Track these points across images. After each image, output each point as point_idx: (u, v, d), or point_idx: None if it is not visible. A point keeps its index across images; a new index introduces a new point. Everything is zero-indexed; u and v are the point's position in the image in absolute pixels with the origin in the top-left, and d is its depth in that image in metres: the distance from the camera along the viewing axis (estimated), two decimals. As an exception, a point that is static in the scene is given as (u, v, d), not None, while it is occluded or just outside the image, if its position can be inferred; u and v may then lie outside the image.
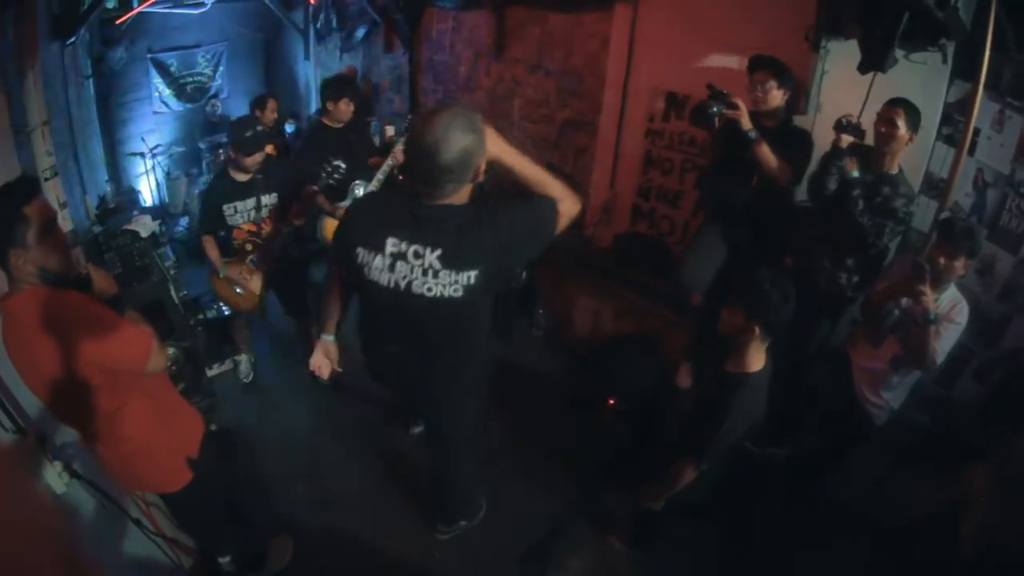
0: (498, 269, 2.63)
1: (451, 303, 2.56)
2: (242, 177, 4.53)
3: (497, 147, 2.50)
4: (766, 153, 4.09)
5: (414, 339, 2.89)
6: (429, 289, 2.54)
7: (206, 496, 3.16)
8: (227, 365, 5.61)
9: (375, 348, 3.17)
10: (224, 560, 3.72)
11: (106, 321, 2.49)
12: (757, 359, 3.00)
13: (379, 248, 2.58)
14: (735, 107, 4.06)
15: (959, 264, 3.35)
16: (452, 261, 2.50)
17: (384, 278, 2.60)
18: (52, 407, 2.61)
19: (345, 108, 5.38)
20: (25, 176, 2.49)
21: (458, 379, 3.16)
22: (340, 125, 5.45)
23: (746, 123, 4.07)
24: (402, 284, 2.57)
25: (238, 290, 4.82)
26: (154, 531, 3.23)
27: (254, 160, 4.42)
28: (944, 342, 3.41)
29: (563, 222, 2.61)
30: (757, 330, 2.88)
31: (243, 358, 5.51)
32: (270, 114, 6.73)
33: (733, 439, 3.03)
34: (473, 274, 2.52)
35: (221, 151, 8.22)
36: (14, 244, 2.29)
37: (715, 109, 4.10)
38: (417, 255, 2.53)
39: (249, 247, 4.72)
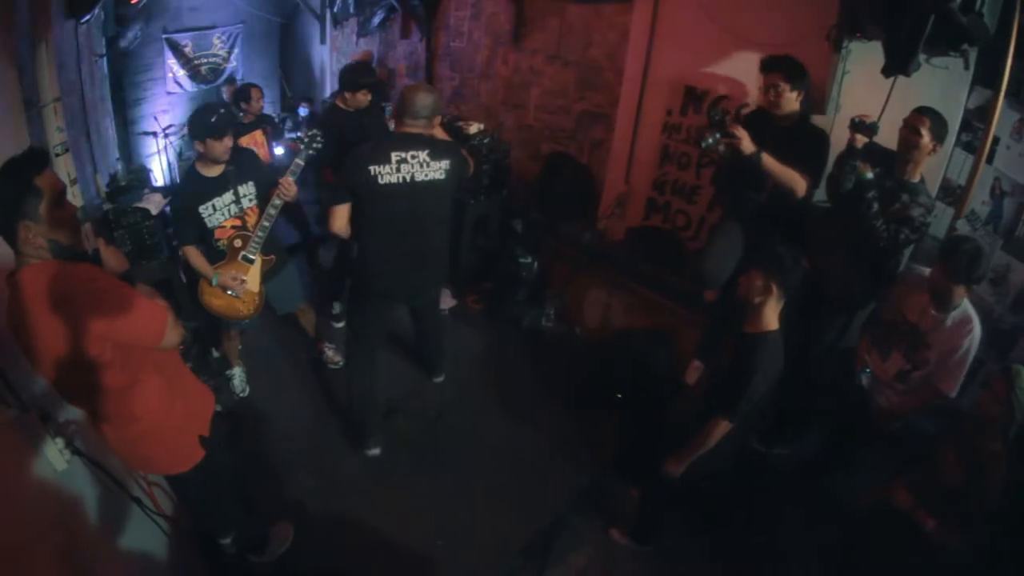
0: (454, 167, 4.04)
1: (439, 184, 4.00)
2: (213, 171, 4.21)
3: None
4: (776, 168, 4.03)
5: (414, 231, 4.10)
6: (425, 175, 3.93)
7: (213, 477, 3.14)
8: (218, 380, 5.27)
9: (382, 256, 4.15)
10: (225, 541, 3.71)
11: (120, 294, 2.46)
12: (773, 318, 3.16)
13: (387, 159, 3.83)
14: (732, 136, 3.99)
15: (959, 290, 3.36)
16: (434, 154, 3.93)
17: (396, 177, 3.85)
18: (59, 385, 2.55)
19: (363, 98, 5.32)
20: (35, 148, 2.43)
21: (438, 269, 4.50)
22: (353, 109, 5.36)
23: (747, 147, 3.98)
24: (407, 177, 3.88)
25: (237, 295, 4.47)
26: (155, 510, 3.20)
27: (225, 146, 4.08)
28: (958, 372, 3.51)
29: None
30: (774, 287, 3.06)
31: (236, 371, 5.24)
32: (256, 104, 6.65)
33: (759, 394, 3.13)
34: (447, 162, 3.98)
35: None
36: (24, 216, 2.25)
37: (710, 141, 4.07)
38: (413, 156, 3.88)
39: (238, 243, 4.38)
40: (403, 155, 3.86)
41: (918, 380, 3.68)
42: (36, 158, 2.35)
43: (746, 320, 3.21)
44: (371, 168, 3.81)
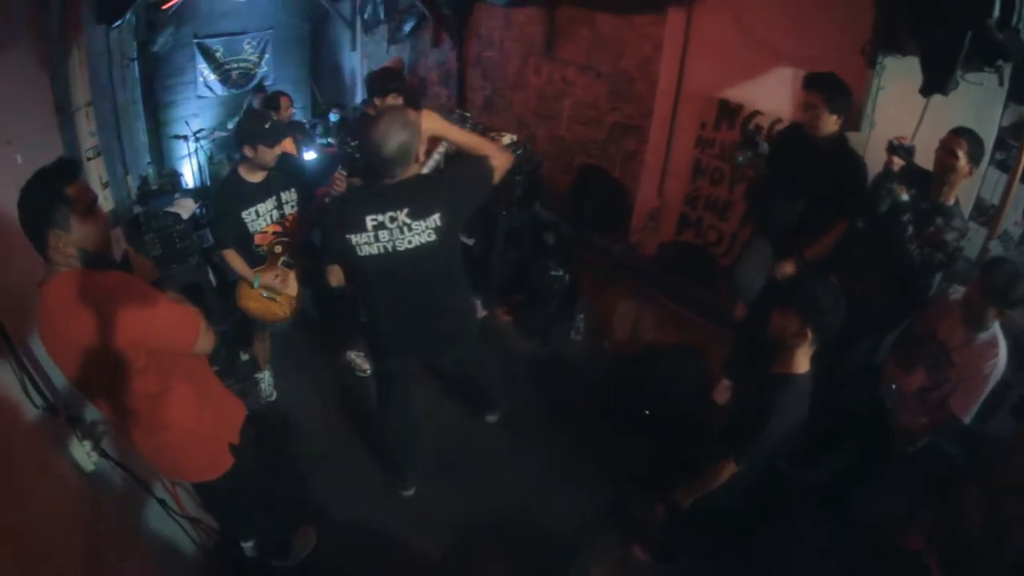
0: (453, 211, 3.27)
1: (430, 247, 3.26)
2: (257, 177, 4.20)
3: (436, 126, 3.30)
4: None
5: (415, 295, 3.52)
6: (410, 242, 3.22)
7: (240, 483, 3.14)
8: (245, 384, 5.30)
9: (388, 325, 3.72)
10: (247, 545, 3.75)
11: (153, 300, 2.45)
12: (804, 361, 3.00)
13: (362, 227, 3.19)
14: (762, 155, 4.13)
15: (993, 311, 3.32)
16: (418, 212, 3.18)
17: (374, 248, 3.23)
18: (90, 393, 2.58)
19: (392, 103, 5.20)
20: (65, 157, 2.44)
21: (457, 326, 3.88)
22: None
23: None
24: (388, 247, 3.23)
25: (276, 297, 4.51)
26: (179, 512, 3.23)
27: (275, 153, 4.10)
28: (974, 396, 3.45)
29: (498, 174, 3.34)
30: (809, 333, 2.88)
31: (264, 375, 5.24)
32: (284, 112, 6.63)
33: (775, 439, 3.00)
34: (436, 216, 3.21)
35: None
36: (55, 225, 2.26)
37: (741, 159, 4.23)
38: (392, 219, 3.18)
39: (279, 249, 4.42)
40: (379, 218, 3.18)
41: (936, 401, 3.62)
42: (67, 168, 2.36)
43: (776, 358, 3.07)
44: (348, 237, 3.23)
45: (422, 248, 3.25)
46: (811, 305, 2.87)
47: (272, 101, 6.68)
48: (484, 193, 3.39)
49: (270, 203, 4.28)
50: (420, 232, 3.21)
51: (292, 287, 4.52)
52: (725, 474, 3.13)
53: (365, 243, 3.22)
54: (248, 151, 4.06)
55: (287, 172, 4.35)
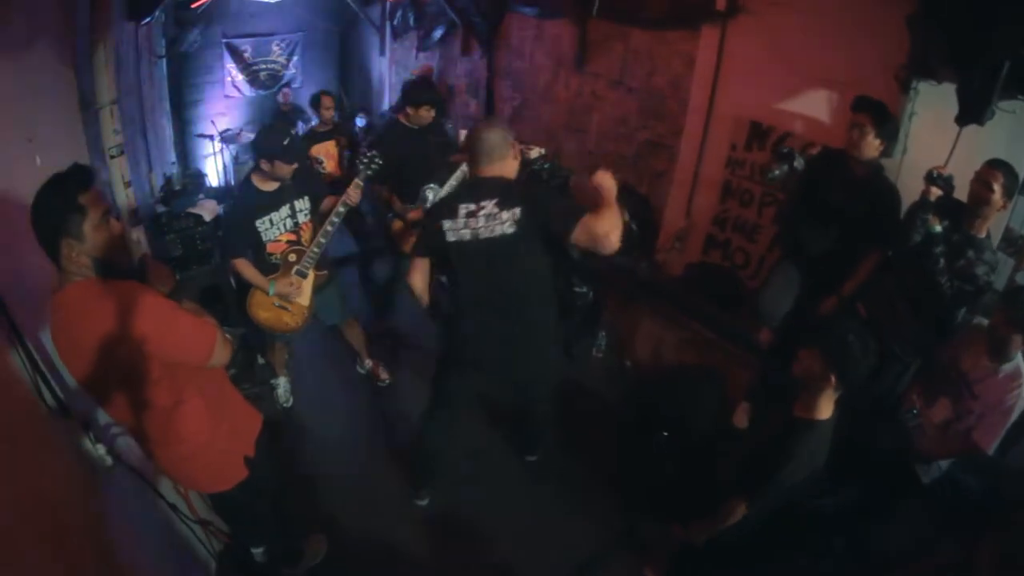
0: (532, 211, 3.32)
1: (512, 238, 3.33)
2: (270, 186, 4.18)
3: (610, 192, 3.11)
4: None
5: (500, 292, 3.53)
6: (492, 231, 3.33)
7: (254, 493, 3.12)
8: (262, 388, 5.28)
9: (470, 322, 3.65)
10: (258, 551, 3.70)
11: (168, 311, 2.44)
12: (827, 407, 2.92)
13: (454, 213, 3.39)
14: (795, 171, 4.20)
15: (1017, 340, 3.26)
16: (503, 203, 3.32)
17: (461, 234, 3.38)
18: (105, 404, 2.55)
19: (426, 114, 5.25)
20: (80, 165, 2.40)
21: (536, 344, 3.76)
22: (417, 126, 5.30)
23: None
24: (474, 234, 3.36)
25: (286, 307, 4.43)
26: (190, 516, 3.22)
27: (292, 168, 4.09)
28: (998, 428, 3.39)
29: (582, 233, 3.15)
30: (833, 380, 2.81)
31: (281, 381, 5.21)
32: (326, 112, 6.60)
33: (790, 484, 2.93)
34: (518, 209, 3.30)
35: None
36: (68, 234, 2.24)
37: (776, 173, 4.25)
38: (481, 207, 3.34)
39: (292, 257, 4.34)
40: (471, 206, 3.36)
41: (959, 433, 3.55)
42: (81, 175, 2.33)
43: (798, 399, 3.00)
44: (441, 222, 3.41)
45: (505, 238, 3.34)
46: (840, 353, 2.80)
47: (315, 100, 6.67)
48: (558, 223, 3.25)
49: (284, 211, 4.25)
50: (503, 222, 3.32)
51: (305, 296, 4.46)
52: (736, 515, 3.07)
53: (453, 229, 3.39)
54: (264, 164, 4.05)
55: (301, 180, 4.31)
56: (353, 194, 4.22)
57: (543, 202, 3.43)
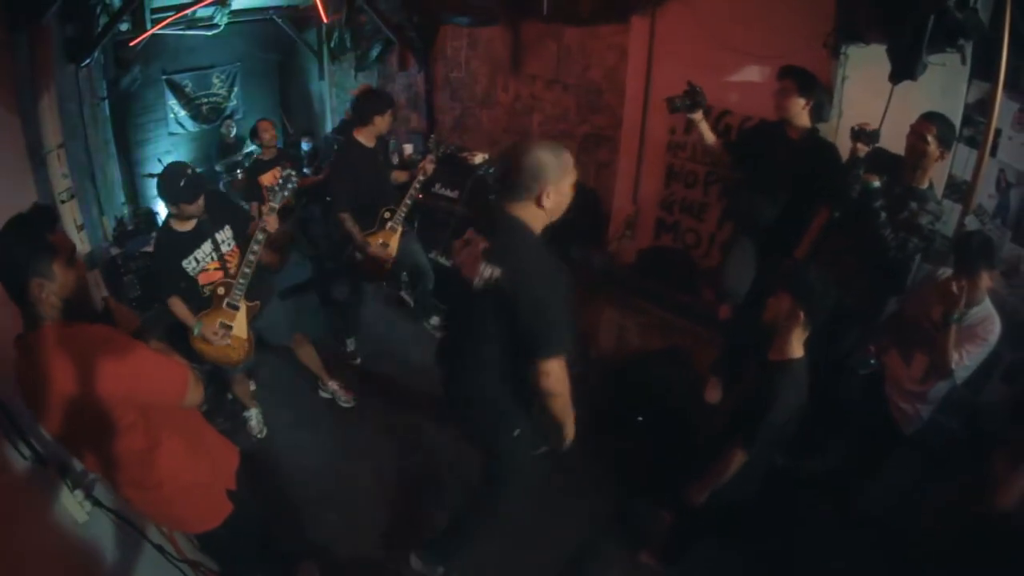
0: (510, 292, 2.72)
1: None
2: (187, 226, 4.13)
3: None
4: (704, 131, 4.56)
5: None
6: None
7: (241, 527, 3.07)
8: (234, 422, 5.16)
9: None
10: None
11: (138, 354, 2.37)
12: (798, 347, 3.05)
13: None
14: (693, 109, 4.41)
15: (983, 280, 3.31)
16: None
17: None
18: (77, 452, 2.50)
19: (390, 120, 5.22)
20: (43, 205, 2.39)
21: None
22: (372, 144, 5.26)
23: (708, 136, 4.55)
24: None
25: (224, 343, 4.30)
26: (177, 556, 3.14)
27: (198, 206, 4.02)
28: (970, 359, 3.39)
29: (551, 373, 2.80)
30: (801, 314, 2.94)
31: (252, 413, 5.09)
32: (264, 135, 6.58)
33: (780, 423, 3.03)
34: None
35: (239, 172, 8.18)
36: (37, 274, 2.19)
37: (677, 104, 4.39)
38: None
39: (221, 291, 4.26)
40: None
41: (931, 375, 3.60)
42: (47, 215, 2.32)
43: (771, 345, 3.12)
44: None
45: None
46: (803, 287, 2.96)
47: (254, 130, 6.69)
48: (528, 315, 2.71)
49: (207, 247, 4.22)
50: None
51: (242, 328, 4.39)
52: (735, 464, 3.14)
53: None
54: (172, 208, 4.05)
55: (217, 212, 4.29)
56: (269, 221, 4.11)
57: (520, 294, 2.75)
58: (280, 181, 4.21)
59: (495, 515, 3.71)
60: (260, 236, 4.11)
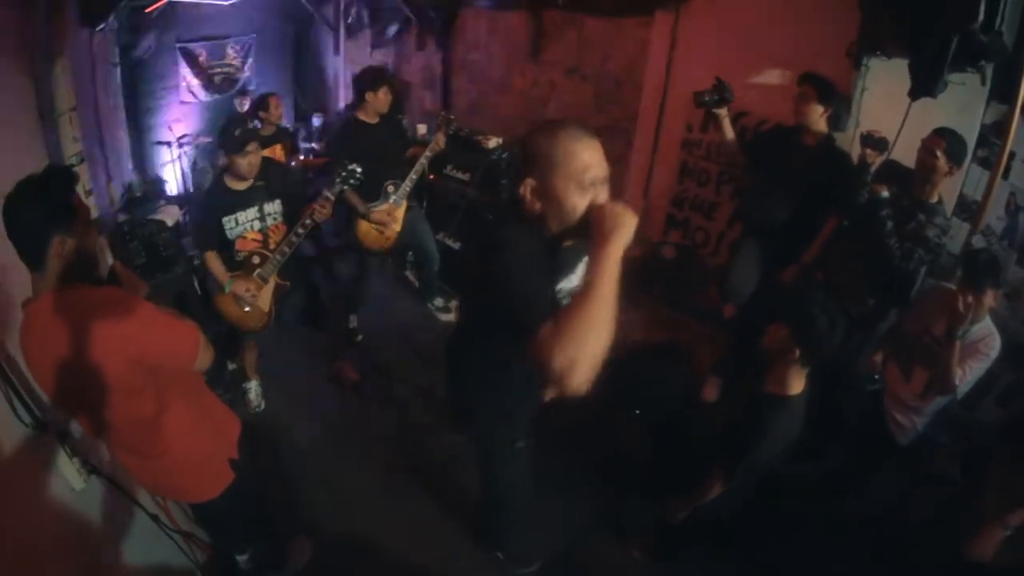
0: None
1: None
2: (240, 185, 4.17)
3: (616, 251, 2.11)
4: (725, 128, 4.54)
5: None
6: None
7: (239, 498, 3.05)
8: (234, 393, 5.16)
9: None
10: (242, 558, 3.62)
11: (149, 314, 2.35)
12: (797, 382, 2.95)
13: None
14: (720, 105, 4.44)
15: (987, 298, 3.32)
16: None
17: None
18: (83, 419, 2.47)
19: (384, 98, 5.20)
20: (62, 166, 2.36)
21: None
22: (375, 120, 5.26)
23: (728, 133, 4.56)
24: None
25: (246, 308, 4.39)
26: (171, 526, 3.17)
27: (248, 161, 4.03)
28: (971, 374, 3.40)
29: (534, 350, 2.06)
30: (797, 353, 2.83)
31: (252, 385, 5.12)
32: (275, 112, 6.61)
33: (766, 458, 2.99)
34: None
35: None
36: (61, 231, 2.15)
37: (707, 99, 4.41)
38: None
39: (256, 260, 4.32)
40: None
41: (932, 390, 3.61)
42: (69, 175, 2.28)
43: (768, 375, 3.02)
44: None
45: None
46: (806, 328, 2.81)
47: (262, 103, 6.66)
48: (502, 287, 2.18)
49: (251, 212, 4.23)
50: None
51: (264, 301, 4.43)
52: (714, 491, 3.12)
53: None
54: (223, 159, 4.08)
55: (274, 183, 4.29)
56: (321, 209, 4.15)
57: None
58: (344, 174, 4.26)
59: (499, 502, 3.69)
60: (308, 222, 4.16)
